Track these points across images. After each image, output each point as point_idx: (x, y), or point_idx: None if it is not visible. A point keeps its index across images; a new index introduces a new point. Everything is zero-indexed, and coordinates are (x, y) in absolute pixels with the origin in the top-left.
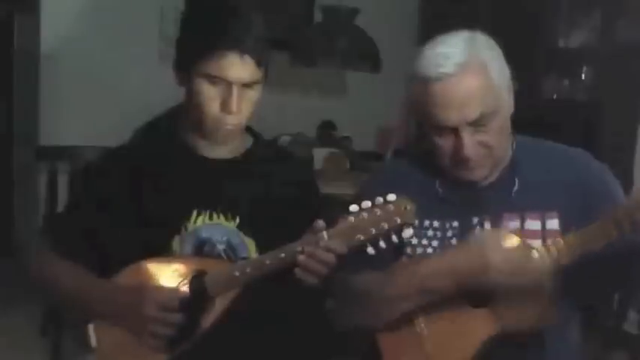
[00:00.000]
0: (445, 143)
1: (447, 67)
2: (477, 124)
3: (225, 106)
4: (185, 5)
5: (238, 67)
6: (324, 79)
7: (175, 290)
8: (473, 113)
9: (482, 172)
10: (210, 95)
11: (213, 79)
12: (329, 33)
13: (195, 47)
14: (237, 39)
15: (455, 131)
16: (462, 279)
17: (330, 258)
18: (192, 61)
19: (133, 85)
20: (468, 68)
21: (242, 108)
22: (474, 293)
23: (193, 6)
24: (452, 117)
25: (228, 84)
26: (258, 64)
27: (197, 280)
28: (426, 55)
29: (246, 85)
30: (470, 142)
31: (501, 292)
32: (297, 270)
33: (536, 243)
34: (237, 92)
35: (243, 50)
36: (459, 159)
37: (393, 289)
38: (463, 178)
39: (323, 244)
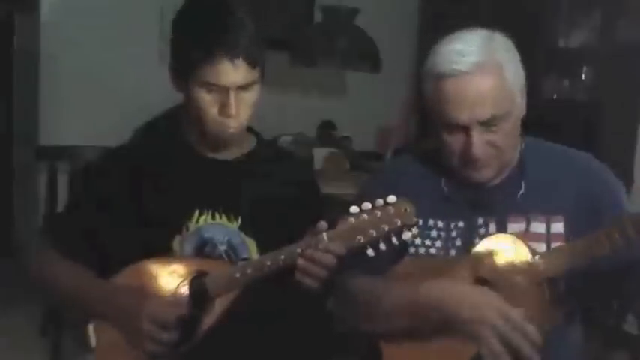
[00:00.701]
0: (454, 141)
1: (462, 65)
2: (488, 124)
3: (223, 110)
4: (175, 18)
5: (232, 72)
6: (324, 79)
7: (174, 304)
8: (485, 113)
9: (489, 173)
10: (208, 101)
11: (210, 86)
12: (329, 33)
13: (187, 56)
14: (228, 44)
15: (465, 130)
16: (448, 315)
17: (330, 260)
18: (187, 69)
19: (133, 85)
20: (482, 67)
21: (240, 111)
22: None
23: (182, 13)
24: (463, 116)
25: (225, 89)
26: (252, 65)
27: (197, 280)
28: (441, 51)
29: (243, 88)
30: (479, 141)
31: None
32: (296, 273)
33: (541, 246)
34: (234, 96)
35: (235, 55)
36: (467, 158)
37: (388, 305)
38: (470, 178)
39: (322, 245)
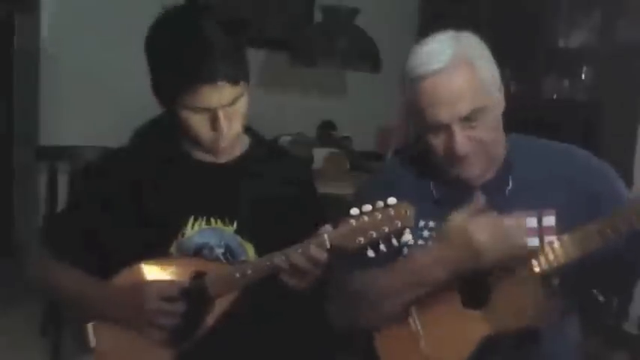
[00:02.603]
0: (438, 141)
1: (434, 64)
2: (469, 119)
3: (214, 127)
4: (146, 43)
5: (216, 95)
6: (324, 79)
7: (174, 282)
8: (463, 109)
9: (477, 170)
10: (197, 122)
11: (197, 109)
12: (329, 33)
13: (169, 85)
14: (206, 71)
15: (447, 128)
16: (454, 267)
17: (316, 263)
18: (170, 97)
19: (133, 85)
20: (454, 64)
21: (232, 124)
22: (470, 291)
23: (153, 38)
24: (442, 114)
25: (213, 109)
26: (235, 83)
27: (197, 281)
28: (413, 55)
29: (230, 104)
30: (462, 138)
31: (497, 274)
32: (285, 278)
33: (533, 241)
34: (222, 114)
35: (214, 80)
36: (453, 157)
37: (387, 285)
38: (459, 176)
39: (304, 252)
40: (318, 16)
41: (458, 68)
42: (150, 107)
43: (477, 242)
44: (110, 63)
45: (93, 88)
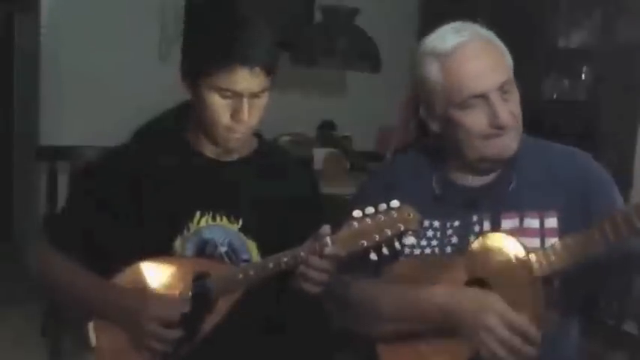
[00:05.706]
0: (476, 118)
1: (463, 36)
2: (504, 89)
3: (235, 116)
4: (187, 14)
5: (249, 80)
6: (324, 79)
7: (177, 302)
8: (500, 76)
9: (514, 145)
10: (220, 106)
11: (224, 92)
12: (329, 33)
13: (203, 61)
14: (248, 53)
15: (485, 102)
16: (452, 320)
17: (329, 266)
18: (201, 74)
19: (133, 85)
20: (481, 37)
21: (251, 116)
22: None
23: (198, 17)
24: (481, 82)
25: (239, 95)
26: (268, 73)
27: (200, 282)
28: (434, 37)
29: (255, 95)
30: (503, 107)
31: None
32: (299, 280)
33: (535, 241)
34: (247, 103)
35: (254, 64)
36: (495, 127)
37: (388, 309)
38: (496, 154)
39: (327, 251)
40: (318, 16)
41: (484, 40)
42: (150, 107)
43: (483, 322)
44: (110, 63)
45: (93, 88)
